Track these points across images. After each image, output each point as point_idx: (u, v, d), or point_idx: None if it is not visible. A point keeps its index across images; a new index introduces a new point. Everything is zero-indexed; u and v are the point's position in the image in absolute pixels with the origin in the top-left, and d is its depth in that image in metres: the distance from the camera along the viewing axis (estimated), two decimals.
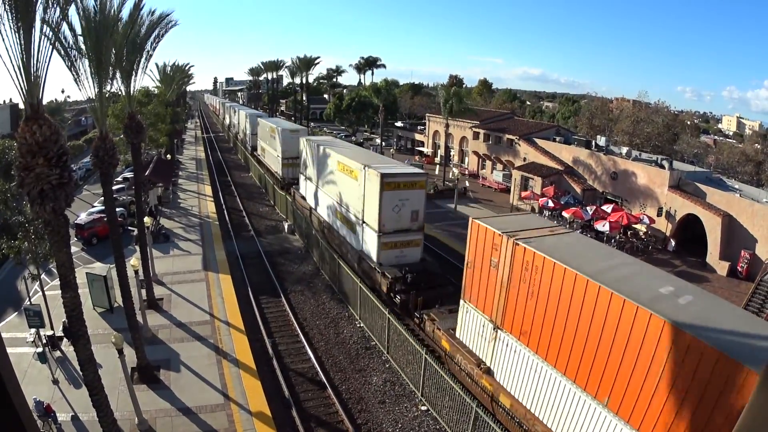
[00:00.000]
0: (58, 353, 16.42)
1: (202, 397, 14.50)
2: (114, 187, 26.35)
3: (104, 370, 12.73)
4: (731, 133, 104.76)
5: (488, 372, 13.55)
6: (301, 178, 31.88)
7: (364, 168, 20.65)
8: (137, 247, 19.76)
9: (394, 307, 18.46)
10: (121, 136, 21.97)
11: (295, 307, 20.91)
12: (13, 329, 18.00)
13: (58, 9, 9.08)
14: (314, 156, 28.12)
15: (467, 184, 44.26)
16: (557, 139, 42.94)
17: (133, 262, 17.17)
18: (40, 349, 15.36)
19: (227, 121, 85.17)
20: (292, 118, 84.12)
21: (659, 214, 31.03)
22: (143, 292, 18.40)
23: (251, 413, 13.82)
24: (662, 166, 33.16)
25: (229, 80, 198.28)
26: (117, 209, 20.77)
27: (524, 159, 42.58)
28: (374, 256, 20.15)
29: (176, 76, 47.24)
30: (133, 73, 16.56)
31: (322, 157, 26.59)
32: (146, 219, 20.10)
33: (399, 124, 75.24)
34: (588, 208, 31.99)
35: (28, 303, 17.31)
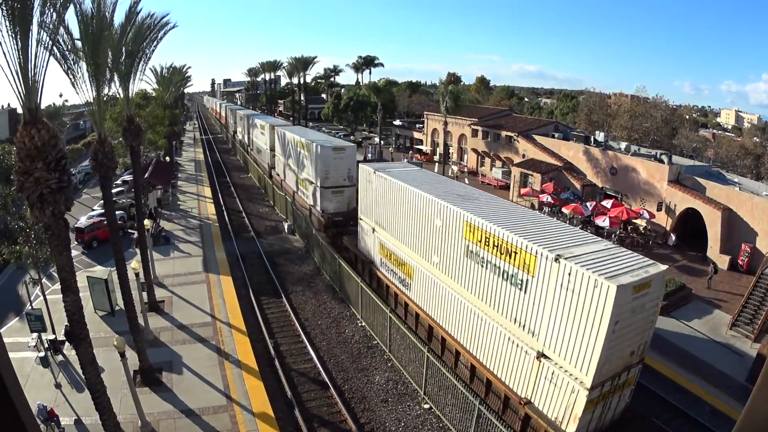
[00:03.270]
0: (60, 357, 16.44)
1: (205, 398, 14.52)
2: (113, 190, 26.37)
3: (106, 374, 12.76)
4: (730, 127, 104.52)
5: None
6: None
7: None
8: (137, 250, 19.77)
9: None
10: (120, 139, 22.00)
11: (297, 307, 20.91)
12: (15, 334, 18.03)
13: (55, 13, 9.07)
14: None
15: (467, 181, 44.19)
16: (556, 135, 42.92)
17: (134, 264, 17.17)
18: (42, 354, 15.37)
19: (241, 136, 61.88)
20: (290, 118, 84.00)
21: (659, 209, 31.02)
22: (144, 294, 18.41)
23: (254, 414, 13.85)
24: (661, 161, 33.17)
25: (227, 81, 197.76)
26: (117, 212, 20.82)
27: (523, 156, 42.57)
28: None
29: (174, 78, 47.14)
30: (131, 76, 16.54)
31: None
32: (146, 221, 20.10)
33: (397, 122, 75.19)
34: (588, 203, 32.00)
35: (30, 307, 17.27)
